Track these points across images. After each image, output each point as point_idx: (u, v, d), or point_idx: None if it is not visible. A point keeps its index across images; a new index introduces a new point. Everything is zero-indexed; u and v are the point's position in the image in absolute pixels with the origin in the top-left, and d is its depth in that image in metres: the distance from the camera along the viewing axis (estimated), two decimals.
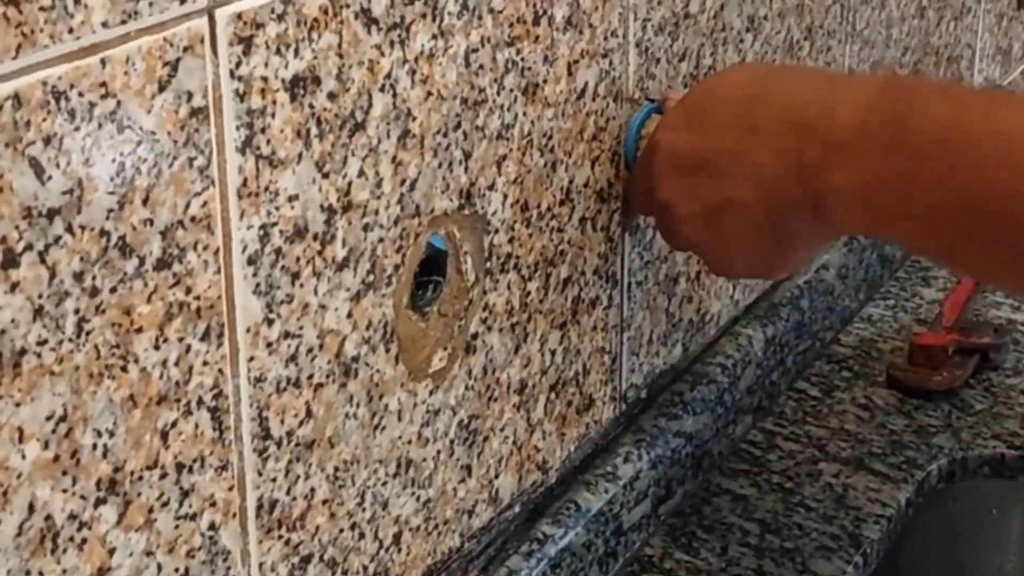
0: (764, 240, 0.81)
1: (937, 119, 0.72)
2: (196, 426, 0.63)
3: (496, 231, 0.80)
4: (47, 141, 0.54)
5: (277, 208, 0.65)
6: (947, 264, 0.79)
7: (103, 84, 0.55)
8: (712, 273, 0.93)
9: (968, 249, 0.73)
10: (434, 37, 0.72)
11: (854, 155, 0.74)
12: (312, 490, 0.71)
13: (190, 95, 0.59)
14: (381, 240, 0.72)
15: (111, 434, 0.59)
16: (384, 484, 0.76)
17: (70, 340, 0.56)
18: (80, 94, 0.54)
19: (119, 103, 0.56)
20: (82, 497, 0.58)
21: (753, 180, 0.79)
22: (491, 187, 0.79)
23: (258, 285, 0.65)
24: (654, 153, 0.84)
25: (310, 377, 0.69)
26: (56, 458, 0.57)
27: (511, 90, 0.79)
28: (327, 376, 0.70)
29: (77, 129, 0.55)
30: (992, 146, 0.69)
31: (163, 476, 0.62)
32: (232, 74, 0.61)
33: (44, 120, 0.53)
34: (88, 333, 0.57)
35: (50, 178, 0.54)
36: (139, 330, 0.59)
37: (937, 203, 0.71)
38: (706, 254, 0.87)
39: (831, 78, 0.88)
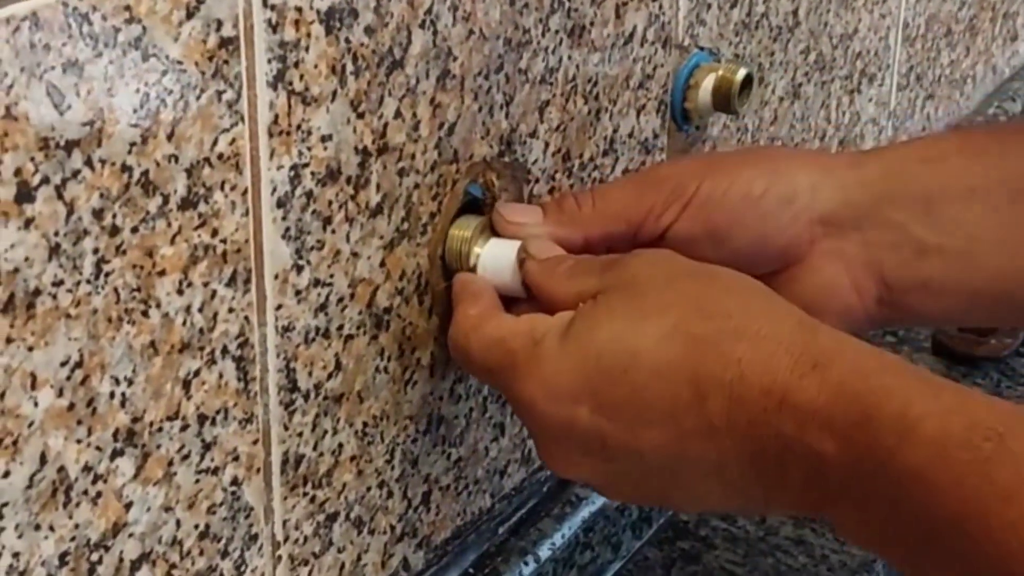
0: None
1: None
2: (220, 376, 0.60)
3: (536, 180, 0.77)
4: (67, 67, 0.50)
5: (309, 148, 0.61)
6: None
7: (127, 8, 0.52)
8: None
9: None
10: None
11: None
12: (340, 446, 0.68)
13: (220, 24, 0.55)
14: (417, 186, 0.68)
15: (130, 382, 0.56)
16: (414, 441, 0.73)
17: (88, 282, 0.53)
18: (103, 17, 0.51)
19: (144, 29, 0.52)
20: (98, 448, 0.55)
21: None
22: (532, 134, 0.75)
23: (288, 229, 0.62)
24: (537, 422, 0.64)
25: (340, 328, 0.66)
26: (71, 407, 0.54)
27: (556, 32, 0.75)
28: (358, 327, 0.67)
29: (99, 55, 0.51)
30: None
31: (184, 428, 0.59)
32: (265, 3, 0.57)
33: (64, 44, 0.50)
34: (107, 275, 0.54)
35: (69, 107, 0.50)
36: (161, 273, 0.56)
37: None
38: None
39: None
